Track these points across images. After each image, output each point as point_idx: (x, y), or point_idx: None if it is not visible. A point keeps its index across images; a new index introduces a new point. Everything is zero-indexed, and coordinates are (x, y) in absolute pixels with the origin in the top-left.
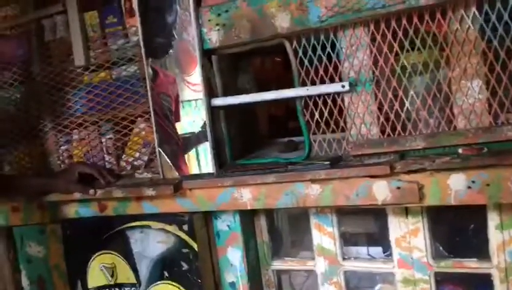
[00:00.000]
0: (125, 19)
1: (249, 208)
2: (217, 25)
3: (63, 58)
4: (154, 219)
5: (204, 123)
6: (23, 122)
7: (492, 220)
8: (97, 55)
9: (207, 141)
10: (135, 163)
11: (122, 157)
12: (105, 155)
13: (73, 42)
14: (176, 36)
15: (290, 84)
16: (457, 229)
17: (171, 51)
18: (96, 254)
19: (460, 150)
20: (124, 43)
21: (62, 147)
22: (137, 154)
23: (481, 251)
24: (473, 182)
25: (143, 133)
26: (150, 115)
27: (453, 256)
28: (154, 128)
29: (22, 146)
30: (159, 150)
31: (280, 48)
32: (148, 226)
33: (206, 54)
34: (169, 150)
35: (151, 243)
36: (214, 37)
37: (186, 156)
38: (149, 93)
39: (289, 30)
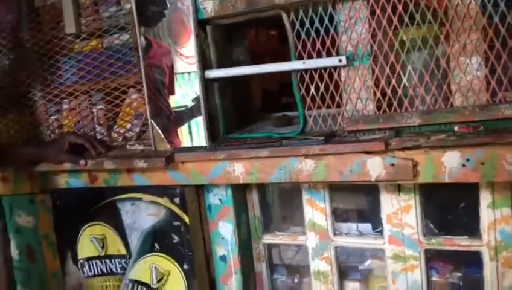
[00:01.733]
0: None
1: (241, 182)
2: None
3: (54, 25)
4: (145, 191)
5: (198, 96)
6: (12, 90)
7: (485, 198)
8: (88, 23)
9: (200, 115)
10: (127, 134)
11: (114, 128)
12: (96, 126)
13: (64, 8)
14: (169, 5)
15: (284, 58)
16: (449, 207)
17: (164, 20)
18: (87, 225)
19: (456, 128)
20: (116, 11)
21: (52, 117)
22: (129, 126)
23: (472, 228)
24: (468, 160)
25: (135, 104)
26: (142, 86)
27: (443, 233)
28: (146, 100)
29: (11, 114)
30: (151, 122)
31: (276, 20)
32: (140, 199)
33: (201, 24)
34: (162, 123)
35: (142, 215)
36: (209, 7)
37: (178, 129)
38: (141, 63)
39: (287, 1)
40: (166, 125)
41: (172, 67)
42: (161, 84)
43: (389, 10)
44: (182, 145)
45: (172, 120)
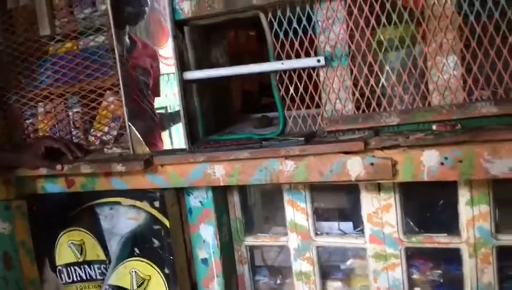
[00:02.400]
0: None
1: (222, 184)
2: None
3: (27, 27)
4: (124, 195)
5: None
6: None
7: (463, 196)
8: (63, 25)
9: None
10: (104, 138)
11: (91, 131)
12: (73, 129)
13: (37, 10)
14: (145, 6)
15: (264, 59)
16: (428, 205)
17: (141, 21)
18: (64, 231)
19: (434, 127)
20: (91, 12)
21: (27, 121)
22: (106, 129)
23: (451, 226)
24: (446, 158)
25: (112, 106)
26: (119, 88)
27: (423, 231)
28: (123, 102)
29: None
30: (129, 125)
31: (254, 21)
32: (118, 203)
33: (178, 25)
34: (142, 125)
35: (122, 220)
36: (186, 7)
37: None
38: (118, 65)
39: (264, 1)
40: (148, 128)
41: (158, 69)
42: (144, 86)
43: (366, 10)
44: (162, 148)
45: (156, 122)
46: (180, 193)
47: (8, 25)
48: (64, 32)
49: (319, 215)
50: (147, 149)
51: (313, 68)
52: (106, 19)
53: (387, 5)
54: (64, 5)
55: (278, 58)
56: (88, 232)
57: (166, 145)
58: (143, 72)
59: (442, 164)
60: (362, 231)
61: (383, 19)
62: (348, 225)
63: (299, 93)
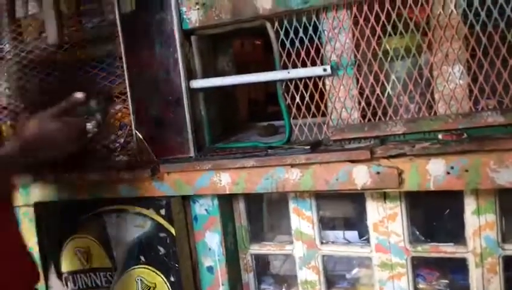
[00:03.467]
0: None
1: (228, 192)
2: (197, 4)
3: (36, 36)
4: (131, 202)
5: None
6: None
7: (469, 205)
8: (71, 33)
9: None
10: (111, 145)
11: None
12: None
13: (45, 19)
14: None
15: (269, 68)
16: (434, 214)
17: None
18: (70, 238)
19: (440, 136)
20: (99, 21)
21: None
22: (113, 137)
23: (457, 235)
24: (452, 167)
25: (119, 114)
26: (127, 96)
27: (429, 241)
28: (130, 110)
29: None
30: (135, 133)
31: (261, 30)
32: (125, 210)
33: (185, 34)
34: (149, 133)
35: (128, 227)
36: (193, 17)
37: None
38: (126, 74)
39: (271, 11)
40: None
41: None
42: None
43: (372, 20)
44: (170, 155)
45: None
46: (186, 200)
47: (17, 34)
48: (72, 41)
49: (325, 224)
50: (154, 157)
51: (319, 77)
52: (114, 28)
53: (393, 15)
54: (72, 14)
55: (284, 67)
56: (94, 240)
57: (173, 152)
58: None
59: (448, 173)
60: (368, 240)
61: (389, 29)
62: (353, 234)
63: (305, 102)
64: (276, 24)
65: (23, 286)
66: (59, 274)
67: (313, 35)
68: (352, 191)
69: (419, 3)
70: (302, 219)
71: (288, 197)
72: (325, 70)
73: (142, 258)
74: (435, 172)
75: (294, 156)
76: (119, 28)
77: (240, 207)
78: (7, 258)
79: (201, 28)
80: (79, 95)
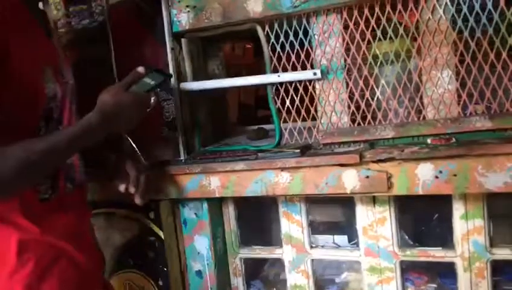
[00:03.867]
0: None
1: (217, 195)
2: (187, 6)
3: None
4: (118, 206)
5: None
6: None
7: (458, 209)
8: (60, 35)
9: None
10: None
11: None
12: None
13: None
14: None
15: (259, 72)
16: (422, 219)
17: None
18: None
19: (429, 140)
20: (89, 23)
21: None
22: None
23: (446, 240)
24: (440, 172)
25: None
26: None
27: (418, 245)
28: None
29: None
30: (125, 136)
31: (251, 34)
32: (113, 213)
33: (176, 36)
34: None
35: (116, 231)
36: (183, 20)
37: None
38: (115, 75)
39: (261, 15)
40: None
41: None
42: None
43: (362, 25)
44: (160, 158)
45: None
46: (175, 204)
47: None
48: (61, 43)
49: (314, 228)
50: (143, 160)
51: (309, 81)
52: (104, 30)
53: (383, 20)
54: (62, 16)
55: (275, 70)
56: None
57: (162, 156)
58: None
59: (437, 177)
60: (357, 244)
61: (379, 33)
62: (342, 239)
63: (295, 105)
64: (267, 28)
65: (100, 273)
66: None
67: (303, 39)
68: (341, 195)
69: (409, 8)
70: (292, 223)
71: (278, 201)
72: (315, 74)
73: (131, 262)
74: (423, 176)
75: (284, 160)
76: (108, 30)
77: (230, 211)
78: (91, 245)
79: (191, 31)
80: (141, 69)
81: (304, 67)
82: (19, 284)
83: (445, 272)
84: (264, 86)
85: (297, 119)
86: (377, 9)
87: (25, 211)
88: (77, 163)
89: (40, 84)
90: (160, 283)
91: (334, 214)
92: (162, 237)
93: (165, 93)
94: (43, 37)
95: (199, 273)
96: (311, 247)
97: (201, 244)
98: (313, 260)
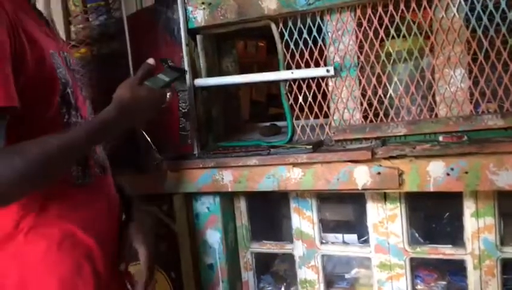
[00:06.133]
0: None
1: (230, 190)
2: (203, 3)
3: None
4: None
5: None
6: None
7: (468, 207)
8: (78, 31)
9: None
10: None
11: None
12: None
13: (53, 16)
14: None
15: (272, 70)
16: (433, 216)
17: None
18: None
19: (441, 138)
20: (106, 19)
21: None
22: None
23: (456, 237)
24: (452, 169)
25: None
26: None
27: (428, 242)
28: None
29: None
30: (141, 131)
31: (264, 31)
32: None
33: (191, 33)
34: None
35: None
36: (199, 16)
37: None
38: (131, 71)
39: (276, 12)
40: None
41: None
42: None
43: (375, 23)
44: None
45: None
46: (188, 198)
47: None
48: (79, 38)
49: (324, 226)
50: (157, 154)
51: (322, 78)
52: (121, 26)
53: (397, 18)
54: (79, 12)
55: (288, 67)
56: None
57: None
58: None
59: (448, 174)
60: (367, 240)
61: (392, 31)
62: (352, 237)
63: (308, 102)
64: (281, 25)
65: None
66: None
67: (317, 37)
68: (352, 192)
69: (422, 7)
70: (303, 219)
71: (289, 197)
72: (328, 71)
73: None
74: (434, 173)
75: (296, 156)
76: (125, 26)
77: (241, 206)
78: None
79: (206, 28)
80: (151, 61)
81: (317, 65)
82: (55, 277)
83: (455, 269)
84: (276, 84)
85: (310, 116)
86: (390, 7)
87: (62, 199)
88: (99, 150)
89: (52, 68)
90: (173, 275)
91: (345, 210)
92: (175, 230)
93: (180, 84)
94: (44, 26)
95: (211, 266)
96: (322, 243)
97: (213, 238)
98: (323, 255)
